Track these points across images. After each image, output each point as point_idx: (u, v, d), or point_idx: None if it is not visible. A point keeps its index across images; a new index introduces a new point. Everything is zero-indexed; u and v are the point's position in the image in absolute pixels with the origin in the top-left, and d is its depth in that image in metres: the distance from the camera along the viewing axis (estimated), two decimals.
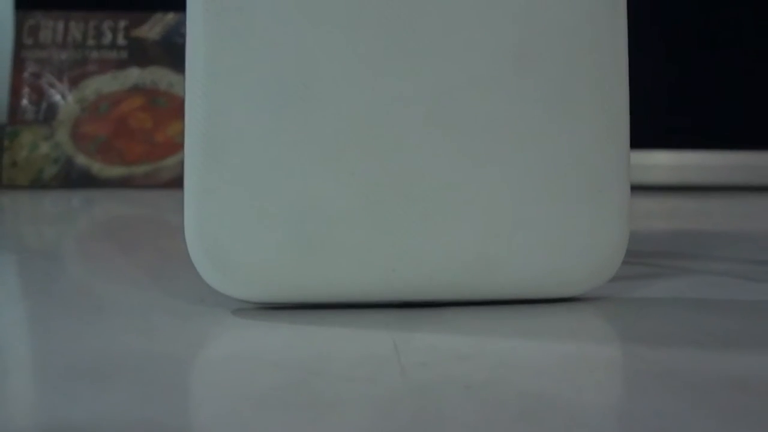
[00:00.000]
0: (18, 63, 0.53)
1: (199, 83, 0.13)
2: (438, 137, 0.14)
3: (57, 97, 0.52)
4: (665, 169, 0.53)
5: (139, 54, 0.53)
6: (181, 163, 0.50)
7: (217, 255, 0.14)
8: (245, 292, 0.14)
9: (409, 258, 0.14)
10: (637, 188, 0.49)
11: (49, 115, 0.52)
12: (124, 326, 0.14)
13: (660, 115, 0.53)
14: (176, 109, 0.52)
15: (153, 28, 0.53)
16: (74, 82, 0.53)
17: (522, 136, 0.14)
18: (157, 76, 0.52)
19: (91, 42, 0.53)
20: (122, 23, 0.53)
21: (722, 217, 0.38)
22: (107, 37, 0.53)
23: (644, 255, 0.22)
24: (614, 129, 0.15)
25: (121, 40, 0.53)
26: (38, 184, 0.51)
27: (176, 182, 0.51)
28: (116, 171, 0.51)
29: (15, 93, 0.53)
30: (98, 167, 0.51)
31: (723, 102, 0.53)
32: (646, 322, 0.14)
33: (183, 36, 0.52)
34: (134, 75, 0.52)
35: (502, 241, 0.14)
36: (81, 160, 0.51)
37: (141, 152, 0.51)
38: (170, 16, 0.53)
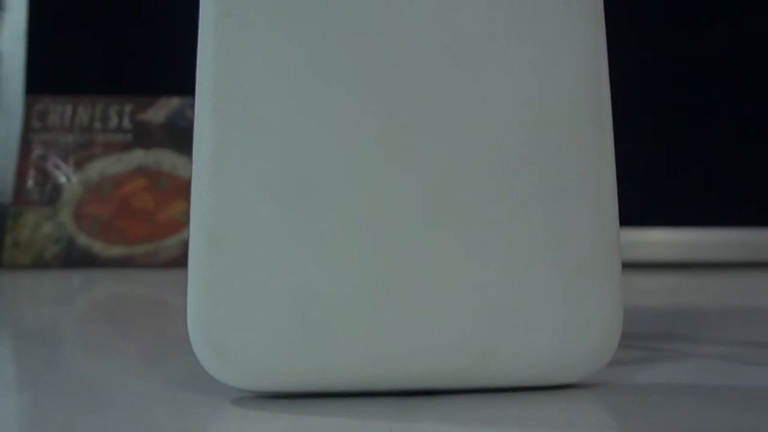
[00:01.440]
0: (25, 145, 0.54)
1: (205, 179, 0.14)
2: (435, 229, 0.14)
3: (62, 179, 0.53)
4: (662, 246, 0.53)
5: (144, 137, 0.54)
6: (182, 243, 0.50)
7: (218, 344, 0.14)
8: (245, 381, 0.14)
9: (407, 348, 0.14)
10: (635, 266, 0.49)
11: (53, 196, 0.53)
12: (124, 419, 0.14)
13: (656, 192, 0.54)
14: (178, 189, 0.53)
15: (158, 112, 0.54)
16: (79, 164, 0.54)
17: (515, 226, 0.15)
18: (160, 157, 0.54)
19: (97, 125, 0.54)
20: (128, 107, 0.55)
21: (719, 295, 0.38)
22: (113, 121, 0.54)
23: (640, 337, 0.22)
24: (603, 214, 0.16)
25: (126, 124, 0.54)
26: (39, 264, 0.52)
27: (177, 262, 0.51)
28: (117, 251, 0.52)
29: (21, 174, 0.54)
30: (99, 247, 0.52)
31: (718, 179, 0.54)
32: (644, 411, 0.14)
33: (187, 119, 0.54)
34: (138, 157, 0.54)
35: (498, 331, 0.15)
36: (83, 240, 0.52)
37: (142, 232, 0.52)
38: (175, 101, 0.54)
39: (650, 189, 0.53)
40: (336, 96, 0.15)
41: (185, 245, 0.52)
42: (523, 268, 0.15)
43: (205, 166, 0.14)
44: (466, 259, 0.15)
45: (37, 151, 0.54)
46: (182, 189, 0.53)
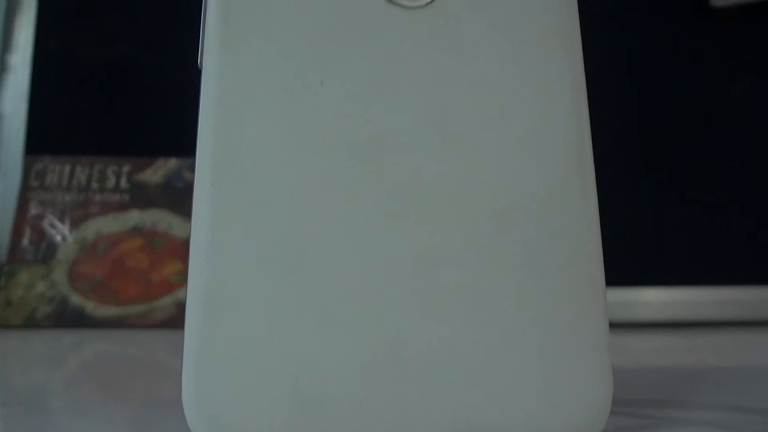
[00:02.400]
0: (23, 204, 0.55)
1: (203, 250, 0.15)
2: (426, 302, 0.15)
3: (57, 238, 0.54)
4: (654, 306, 0.53)
5: (141, 197, 0.55)
6: (176, 304, 0.50)
7: (211, 413, 0.14)
8: None
9: (399, 422, 0.14)
10: (627, 326, 0.49)
11: (48, 254, 0.53)
12: None
13: (648, 251, 0.54)
14: (174, 249, 0.53)
15: (156, 172, 0.55)
16: (75, 224, 0.54)
17: (502, 297, 0.15)
18: (156, 217, 0.54)
19: (94, 185, 0.55)
20: (126, 168, 0.55)
21: (714, 355, 0.38)
22: (111, 181, 0.55)
23: (633, 404, 0.22)
24: (590, 281, 0.16)
25: (124, 184, 0.55)
26: (31, 323, 0.51)
27: (170, 323, 0.51)
28: (110, 311, 0.52)
29: (17, 233, 0.54)
30: (92, 306, 0.52)
31: (712, 237, 0.54)
32: None
33: (184, 180, 0.55)
34: (134, 217, 0.54)
35: (487, 404, 0.15)
36: (75, 299, 0.52)
37: (136, 292, 0.52)
38: (172, 162, 0.55)
39: (642, 248, 0.54)
40: (331, 172, 0.15)
41: (179, 305, 0.52)
42: (510, 340, 0.15)
43: (203, 237, 0.15)
44: (457, 331, 0.15)
45: (33, 210, 0.55)
46: (177, 249, 0.53)
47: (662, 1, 0.58)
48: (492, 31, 0.17)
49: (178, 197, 0.55)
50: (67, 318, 0.51)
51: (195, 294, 0.14)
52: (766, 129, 0.56)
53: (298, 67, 0.16)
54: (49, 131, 0.57)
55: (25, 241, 0.54)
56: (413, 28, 0.17)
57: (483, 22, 0.17)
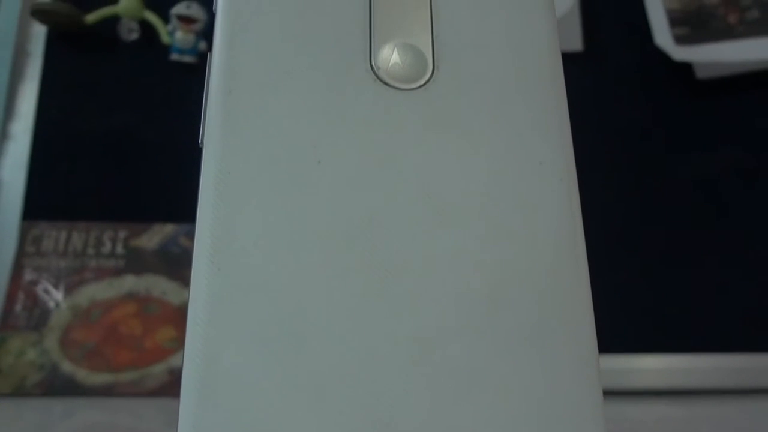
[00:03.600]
0: (17, 270, 0.55)
1: (200, 328, 0.15)
2: (419, 380, 0.15)
3: (51, 304, 0.53)
4: (652, 374, 0.53)
5: (136, 262, 0.55)
6: (168, 371, 0.49)
7: None
8: None
9: None
10: (625, 394, 0.49)
11: (40, 321, 0.53)
12: None
13: (644, 319, 0.54)
14: (167, 315, 0.53)
15: (152, 238, 0.55)
16: (70, 290, 0.54)
17: (496, 376, 0.15)
18: (151, 283, 0.54)
19: (90, 251, 0.55)
20: (122, 233, 0.56)
21: (712, 425, 0.38)
22: (107, 247, 0.55)
23: None
24: (584, 357, 0.16)
25: (120, 249, 0.55)
26: (20, 392, 0.50)
27: (162, 390, 0.50)
28: (102, 378, 0.51)
29: (10, 299, 0.54)
30: (83, 374, 0.51)
31: (707, 305, 0.54)
32: None
33: (179, 246, 0.55)
34: (129, 282, 0.54)
35: None
36: (67, 366, 0.51)
37: (128, 359, 0.51)
38: (169, 227, 0.56)
39: (638, 315, 0.54)
40: (327, 252, 0.15)
41: (172, 373, 0.51)
42: (505, 419, 0.15)
43: (201, 315, 0.15)
44: (452, 412, 0.15)
45: (28, 276, 0.55)
46: (171, 315, 0.53)
47: (649, 75, 0.60)
48: (484, 113, 0.18)
49: (174, 263, 0.55)
50: (58, 386, 0.50)
51: (190, 375, 0.14)
52: (755, 198, 0.57)
53: (296, 148, 0.16)
54: (47, 197, 0.58)
55: (18, 308, 0.53)
56: (407, 109, 0.17)
57: (475, 104, 0.18)
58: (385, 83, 0.18)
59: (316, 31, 0.18)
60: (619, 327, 0.52)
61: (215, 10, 0.19)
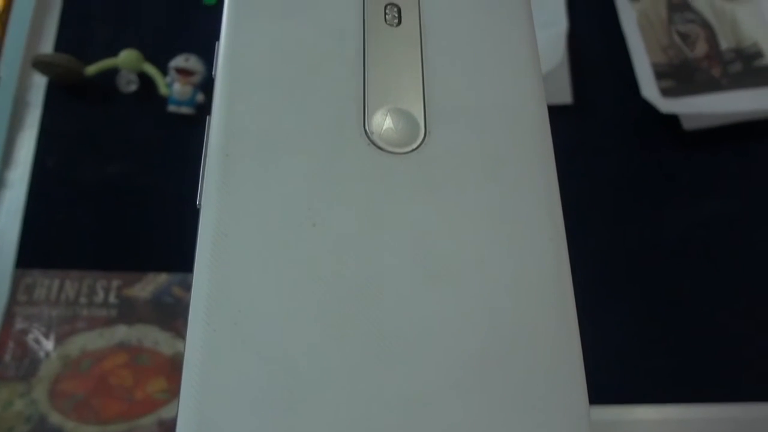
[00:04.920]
0: (8, 319, 0.54)
1: (193, 390, 0.15)
2: None
3: (41, 354, 0.53)
4: (646, 425, 0.53)
5: (129, 312, 0.55)
6: (158, 422, 0.49)
7: None
8: None
9: None
10: None
11: (29, 371, 0.52)
12: None
13: (637, 369, 0.54)
14: (159, 366, 0.53)
15: (145, 287, 0.55)
16: (60, 339, 0.54)
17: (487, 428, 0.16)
18: (142, 333, 0.54)
19: (83, 300, 0.55)
20: (115, 283, 0.56)
21: None
22: (99, 296, 0.55)
23: None
24: (575, 412, 0.16)
25: (112, 299, 0.55)
26: None
27: None
28: (90, 430, 0.50)
29: (0, 348, 0.53)
30: (71, 426, 0.50)
31: (701, 354, 0.55)
32: None
33: (172, 296, 0.55)
34: (121, 332, 0.54)
35: None
36: (55, 418, 0.50)
37: (118, 410, 0.51)
38: (162, 277, 0.56)
39: (631, 366, 0.54)
40: (323, 313, 0.16)
41: (162, 424, 0.51)
42: None
43: (195, 377, 0.15)
44: None
45: (19, 324, 0.54)
46: (163, 366, 0.53)
47: (637, 126, 0.62)
48: (474, 175, 0.18)
49: (167, 313, 0.55)
50: None
51: None
52: (744, 247, 0.57)
53: (292, 211, 0.17)
54: (41, 245, 0.58)
55: (8, 357, 0.53)
56: (400, 173, 0.18)
57: (466, 166, 0.18)
58: (379, 147, 0.18)
59: (312, 96, 0.19)
60: (612, 377, 0.51)
61: (215, 75, 0.19)
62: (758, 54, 0.66)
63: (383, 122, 0.18)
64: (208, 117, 0.19)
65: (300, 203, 0.17)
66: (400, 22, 0.20)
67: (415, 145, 0.18)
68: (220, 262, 0.16)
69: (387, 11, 0.20)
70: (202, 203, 0.17)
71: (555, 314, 0.17)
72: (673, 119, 0.61)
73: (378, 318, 0.16)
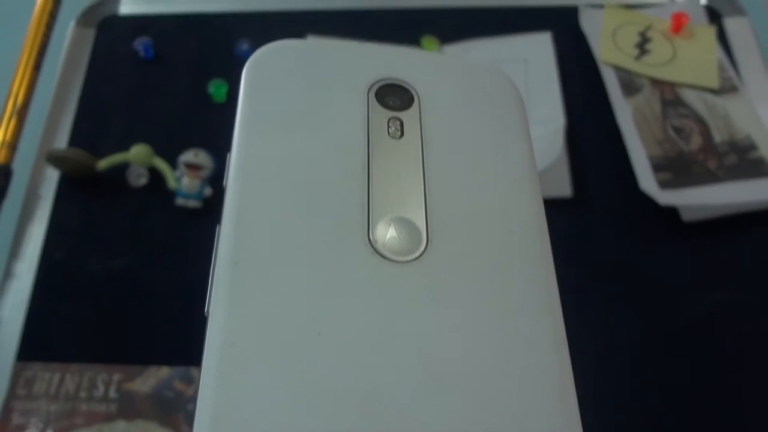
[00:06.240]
0: (6, 413, 0.54)
1: None
2: None
3: None
4: None
5: (128, 407, 0.54)
6: None
7: None
8: None
9: None
10: None
11: None
12: None
13: None
14: None
15: (146, 381, 0.55)
16: None
17: None
18: (142, 429, 0.53)
19: (83, 394, 0.54)
20: (116, 376, 0.55)
21: None
22: (99, 390, 0.55)
23: None
24: None
25: (112, 393, 0.54)
26: None
27: None
28: None
29: None
30: None
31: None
32: None
33: (173, 390, 0.54)
34: (120, 428, 0.53)
35: None
36: None
37: None
38: (164, 371, 0.55)
39: None
40: (327, 422, 0.16)
41: None
42: None
43: None
44: None
45: (16, 419, 0.53)
46: None
47: (636, 219, 0.62)
48: (476, 282, 0.19)
49: (167, 408, 0.54)
50: None
51: None
52: (746, 337, 0.57)
53: (298, 320, 0.17)
54: (43, 338, 0.58)
55: None
56: (403, 281, 0.18)
57: (467, 274, 0.19)
58: (383, 256, 0.19)
59: (318, 206, 0.19)
60: None
61: (225, 185, 0.20)
62: (752, 146, 0.68)
63: (387, 231, 0.19)
64: (218, 226, 0.20)
65: (306, 313, 0.17)
66: (402, 134, 0.21)
67: (417, 254, 0.19)
68: (226, 372, 0.16)
69: (390, 124, 0.22)
70: (210, 311, 0.18)
71: (557, 422, 0.17)
72: (672, 211, 0.62)
73: (382, 425, 0.16)
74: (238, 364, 0.17)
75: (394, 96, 0.22)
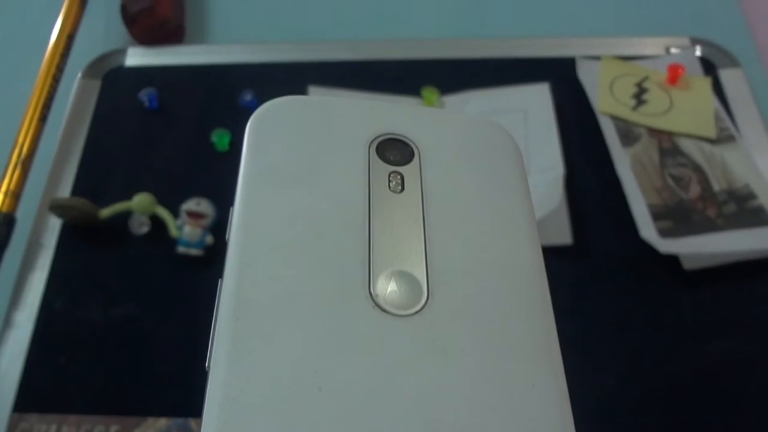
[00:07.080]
0: None
1: None
2: None
3: None
4: None
5: None
6: None
7: None
8: None
9: None
10: None
11: None
12: None
13: None
14: None
15: None
16: None
17: None
18: None
19: None
20: (114, 428, 0.54)
21: None
22: None
23: None
24: None
25: None
26: None
27: None
28: None
29: None
30: None
31: None
32: None
33: None
34: None
35: None
36: None
37: None
38: (162, 422, 0.54)
39: None
40: None
41: None
42: None
43: None
44: None
45: None
46: None
47: (637, 267, 0.62)
48: (477, 336, 0.19)
49: None
50: None
51: None
52: (750, 388, 0.56)
53: (298, 375, 0.17)
54: (41, 388, 0.57)
55: None
56: (404, 335, 0.18)
57: (468, 328, 0.19)
58: (384, 310, 0.19)
59: (319, 261, 0.19)
60: None
61: (228, 239, 0.21)
62: (751, 195, 0.68)
63: (388, 285, 0.19)
64: (220, 280, 0.20)
65: (307, 368, 0.17)
66: (403, 188, 0.22)
67: (418, 307, 0.19)
68: (227, 429, 0.16)
69: (391, 178, 0.22)
70: (211, 366, 0.18)
71: None
72: (672, 259, 0.62)
73: None
74: (239, 420, 0.16)
75: (394, 151, 0.23)
